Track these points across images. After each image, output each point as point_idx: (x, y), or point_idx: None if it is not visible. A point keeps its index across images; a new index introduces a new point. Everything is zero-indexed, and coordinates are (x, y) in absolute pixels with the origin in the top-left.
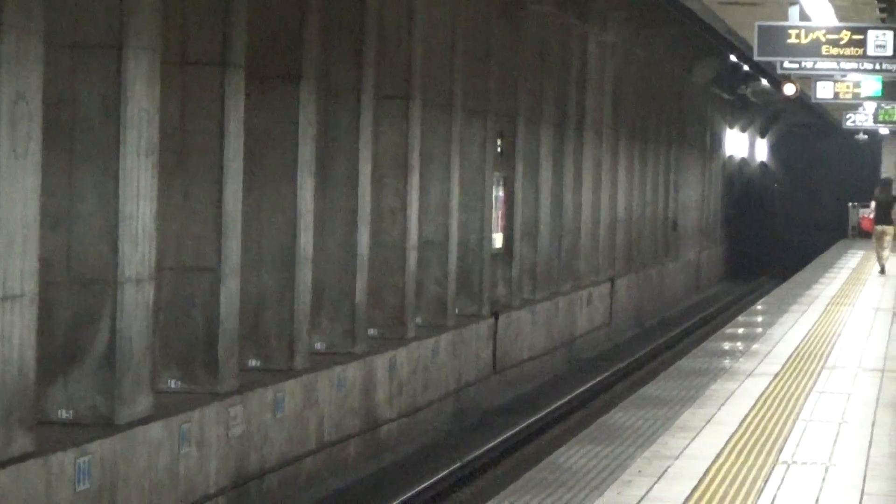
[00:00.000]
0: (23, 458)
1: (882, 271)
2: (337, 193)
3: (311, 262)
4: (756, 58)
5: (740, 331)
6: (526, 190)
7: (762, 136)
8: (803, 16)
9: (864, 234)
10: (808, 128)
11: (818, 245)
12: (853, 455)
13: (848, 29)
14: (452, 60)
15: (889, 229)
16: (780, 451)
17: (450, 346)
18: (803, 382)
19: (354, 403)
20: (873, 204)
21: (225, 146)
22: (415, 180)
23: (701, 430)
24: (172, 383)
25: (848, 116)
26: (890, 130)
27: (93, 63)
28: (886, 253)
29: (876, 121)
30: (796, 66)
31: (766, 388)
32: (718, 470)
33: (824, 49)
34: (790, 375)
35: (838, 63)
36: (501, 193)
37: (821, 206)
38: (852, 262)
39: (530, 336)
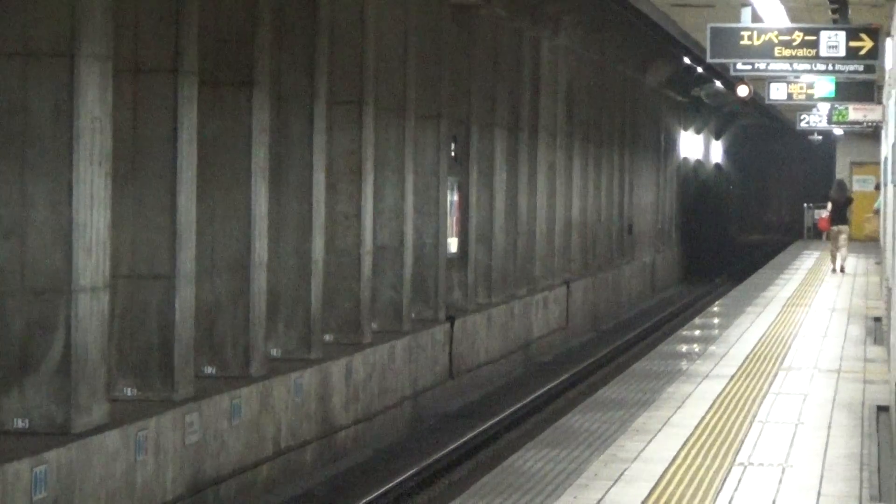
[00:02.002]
0: None
1: (836, 270)
2: (291, 199)
3: (265, 268)
4: (709, 60)
5: (696, 333)
6: (480, 194)
7: (717, 138)
8: (755, 17)
9: (819, 235)
10: (762, 129)
11: (774, 246)
12: (810, 456)
13: (800, 30)
14: (405, 65)
15: (844, 229)
16: (737, 452)
17: (406, 352)
18: (760, 384)
19: (311, 410)
20: (829, 204)
21: (178, 153)
22: (369, 186)
23: (657, 433)
24: (128, 391)
25: (802, 117)
26: (844, 131)
27: (44, 71)
28: (843, 252)
29: (830, 122)
30: (749, 67)
31: (723, 389)
32: (675, 472)
33: (777, 50)
34: (746, 377)
35: (791, 64)
36: (456, 198)
37: (776, 207)
38: (808, 263)
39: (486, 340)
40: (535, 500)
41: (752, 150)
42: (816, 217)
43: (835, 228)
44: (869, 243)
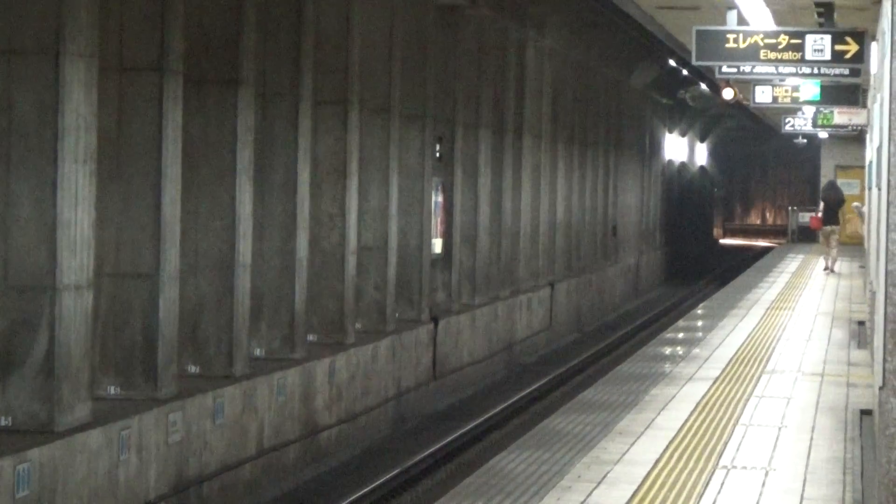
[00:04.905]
0: None
1: (829, 270)
2: (275, 199)
3: (249, 267)
4: (694, 62)
5: (680, 335)
6: (465, 195)
7: (702, 141)
8: (741, 20)
9: (809, 235)
10: (747, 132)
11: (758, 249)
12: (793, 460)
13: (786, 33)
14: (390, 65)
15: (837, 229)
16: (720, 455)
17: (389, 352)
18: (743, 387)
19: (294, 409)
20: (822, 204)
21: (162, 152)
22: (353, 186)
23: (640, 435)
24: (111, 390)
25: (787, 120)
26: (829, 134)
27: (29, 69)
28: (835, 252)
29: (815, 125)
30: (735, 70)
31: (706, 392)
32: (658, 475)
33: (762, 53)
34: (730, 380)
35: (776, 67)
36: (440, 199)
37: (761, 209)
38: (792, 266)
39: (470, 341)
40: (518, 501)
41: (737, 152)
42: (803, 219)
43: (827, 228)
44: (852, 246)
